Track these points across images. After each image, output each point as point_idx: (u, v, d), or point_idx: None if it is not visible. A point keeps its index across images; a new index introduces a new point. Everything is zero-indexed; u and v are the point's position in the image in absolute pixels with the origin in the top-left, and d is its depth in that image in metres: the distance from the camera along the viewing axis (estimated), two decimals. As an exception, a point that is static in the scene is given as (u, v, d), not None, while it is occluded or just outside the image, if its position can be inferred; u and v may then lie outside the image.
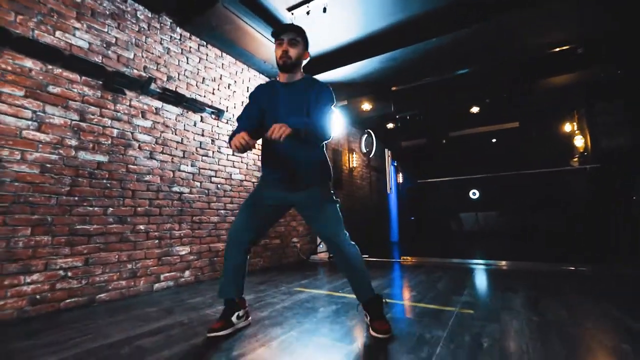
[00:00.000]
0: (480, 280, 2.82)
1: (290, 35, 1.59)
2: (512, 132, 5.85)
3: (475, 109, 5.41)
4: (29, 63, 2.02)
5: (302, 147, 1.56)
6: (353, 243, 1.62)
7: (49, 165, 2.07)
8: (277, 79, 1.71)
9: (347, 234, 1.62)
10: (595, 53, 3.74)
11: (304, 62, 1.70)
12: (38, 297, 1.94)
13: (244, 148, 1.39)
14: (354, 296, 1.82)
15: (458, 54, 3.64)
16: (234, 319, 1.60)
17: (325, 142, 1.61)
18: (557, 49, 3.67)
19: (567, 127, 4.87)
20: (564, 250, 4.16)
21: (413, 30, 3.28)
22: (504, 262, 3.61)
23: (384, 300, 1.63)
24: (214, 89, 3.33)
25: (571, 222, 4.64)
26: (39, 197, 2.01)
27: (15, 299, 1.86)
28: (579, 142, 4.60)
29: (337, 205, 1.65)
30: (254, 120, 1.63)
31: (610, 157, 3.94)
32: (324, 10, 2.91)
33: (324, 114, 1.56)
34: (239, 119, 1.67)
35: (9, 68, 1.94)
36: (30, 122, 2.01)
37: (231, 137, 1.48)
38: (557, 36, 3.46)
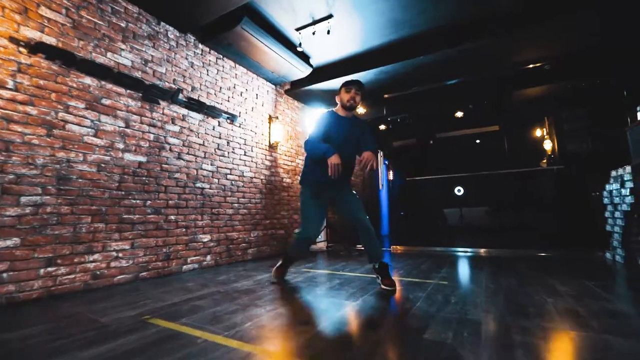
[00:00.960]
0: (457, 263, 3.37)
1: (358, 87, 2.32)
2: (493, 135, 6.45)
3: (459, 114, 5.97)
4: (88, 80, 2.45)
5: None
6: None
7: (103, 165, 2.51)
8: (336, 111, 2.41)
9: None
10: (560, 69, 4.31)
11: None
12: (98, 272, 2.39)
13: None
14: (352, 274, 2.35)
15: (442, 69, 4.16)
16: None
17: None
18: (529, 66, 4.23)
19: (539, 132, 5.48)
20: (535, 239, 4.76)
21: (403, 49, 3.78)
22: (482, 250, 4.18)
23: (389, 266, 2.30)
24: (229, 97, 3.77)
25: (541, 215, 5.23)
26: (96, 191, 2.45)
27: (82, 274, 2.31)
28: (547, 145, 5.21)
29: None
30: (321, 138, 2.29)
31: (573, 159, 4.54)
32: (328, 32, 3.38)
33: (374, 142, 2.38)
34: (318, 139, 2.30)
35: (74, 85, 2.36)
36: (89, 129, 2.44)
37: (323, 151, 2.16)
38: (527, 56, 4.00)
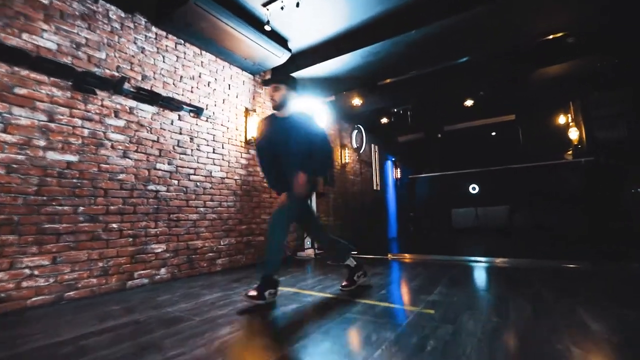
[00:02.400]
0: (460, 278, 2.76)
1: (273, 82, 2.23)
2: (509, 125, 5.70)
3: (469, 102, 5.29)
4: (-8, 65, 2.05)
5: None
6: None
7: (15, 166, 2.10)
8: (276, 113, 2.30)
9: None
10: (587, 43, 3.59)
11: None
12: (3, 295, 1.98)
13: None
14: (319, 294, 1.84)
15: (440, 46, 3.54)
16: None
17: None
18: (548, 37, 3.53)
19: (562, 119, 4.71)
20: (560, 246, 4.04)
21: (391, 23, 3.22)
22: (497, 260, 3.52)
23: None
24: (192, 87, 3.33)
25: (568, 217, 4.49)
26: (5, 197, 2.04)
27: (-20, 297, 1.90)
28: (573, 134, 4.44)
29: None
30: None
31: (605, 149, 3.78)
32: (297, 4, 2.86)
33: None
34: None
35: (-28, 70, 1.97)
36: (-6, 124, 2.04)
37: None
38: (547, 24, 3.33)
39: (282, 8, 2.99)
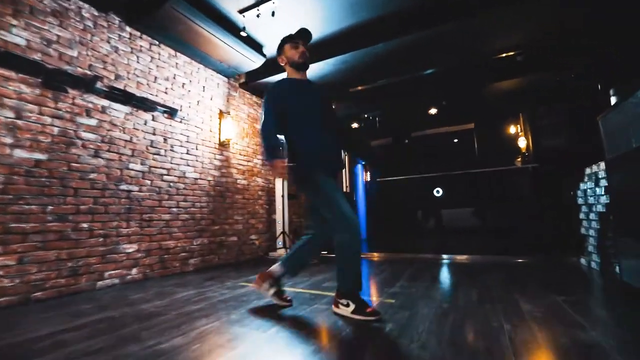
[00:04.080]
0: (422, 273, 3.00)
1: (306, 38, 1.97)
2: (469, 133, 6.16)
3: (433, 111, 5.66)
4: (-43, 60, 2.00)
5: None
6: None
7: (-20, 163, 2.05)
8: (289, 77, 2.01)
9: None
10: (534, 61, 4.02)
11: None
12: (-34, 295, 1.93)
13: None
14: (290, 289, 1.97)
15: (406, 59, 3.82)
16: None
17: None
18: (502, 55, 3.92)
19: (513, 129, 5.21)
20: (512, 243, 4.46)
21: (362, 35, 3.43)
22: (458, 257, 3.83)
23: None
24: (166, 88, 3.34)
25: (518, 217, 4.94)
26: (-32, 195, 1.99)
27: (-59, 298, 1.85)
28: (522, 142, 4.93)
29: None
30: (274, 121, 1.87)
31: (548, 157, 4.25)
32: (272, 14, 2.99)
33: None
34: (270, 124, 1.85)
35: None
36: (-42, 120, 1.99)
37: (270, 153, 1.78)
38: (499, 44, 3.70)
39: (257, 16, 3.10)
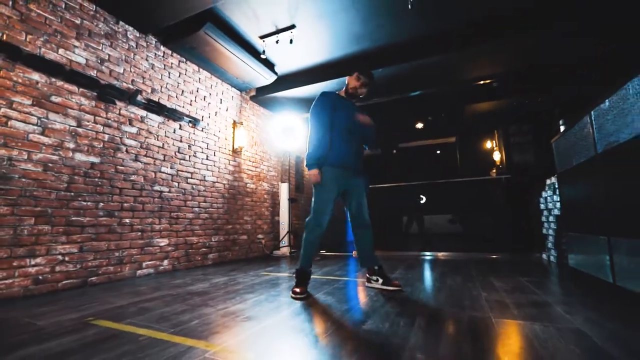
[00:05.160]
0: (413, 266, 3.54)
1: (370, 79, 2.31)
2: (450, 146, 6.87)
3: (420, 125, 6.31)
4: (36, 76, 2.36)
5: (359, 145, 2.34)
6: None
7: (50, 165, 2.40)
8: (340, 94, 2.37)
9: None
10: (506, 87, 4.72)
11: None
12: (40, 277, 2.27)
13: None
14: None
15: (400, 82, 4.41)
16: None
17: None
18: (479, 82, 4.59)
19: (489, 144, 5.93)
20: (486, 243, 5.10)
21: (364, 60, 3.98)
22: (440, 254, 4.40)
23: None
24: (191, 101, 3.75)
25: (493, 220, 5.60)
26: (41, 191, 2.34)
27: (22, 279, 2.18)
28: (497, 156, 5.65)
29: None
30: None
31: (518, 169, 4.95)
32: (291, 41, 3.49)
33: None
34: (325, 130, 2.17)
35: (20, 80, 2.27)
36: (35, 127, 2.34)
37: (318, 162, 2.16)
38: (478, 73, 4.35)
39: (277, 42, 3.58)
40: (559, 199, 3.16)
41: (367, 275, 2.34)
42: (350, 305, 1.85)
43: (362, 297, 2.06)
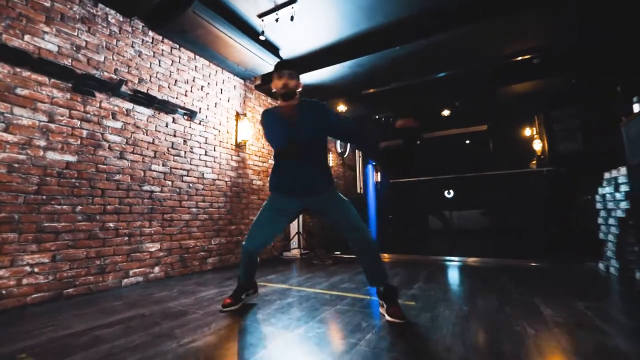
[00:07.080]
0: (437, 275, 3.03)
1: (288, 68, 1.87)
2: (481, 135, 6.15)
3: (446, 112, 5.66)
4: (-4, 66, 2.09)
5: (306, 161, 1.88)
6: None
7: (16, 165, 2.15)
8: (275, 107, 2.01)
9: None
10: (550, 64, 4.00)
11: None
12: (4, 292, 2.03)
13: None
14: (310, 290, 1.99)
15: (421, 62, 3.84)
16: (242, 296, 2.03)
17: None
18: (517, 59, 3.91)
19: (528, 132, 5.18)
20: (525, 246, 4.45)
21: (377, 39, 3.46)
22: (470, 259, 3.84)
23: (397, 289, 1.84)
24: (186, 91, 3.42)
25: (532, 220, 4.92)
26: (6, 195, 2.09)
27: (-18, 294, 1.94)
28: (537, 145, 4.91)
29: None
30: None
31: (563, 160, 4.23)
32: (292, 18, 3.04)
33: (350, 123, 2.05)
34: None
35: (-24, 71, 2.01)
36: (-3, 124, 2.08)
37: None
38: (515, 47, 3.69)
39: (276, 20, 3.16)
40: (623, 197, 2.52)
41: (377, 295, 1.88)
42: (341, 349, 1.42)
43: (364, 329, 1.62)
